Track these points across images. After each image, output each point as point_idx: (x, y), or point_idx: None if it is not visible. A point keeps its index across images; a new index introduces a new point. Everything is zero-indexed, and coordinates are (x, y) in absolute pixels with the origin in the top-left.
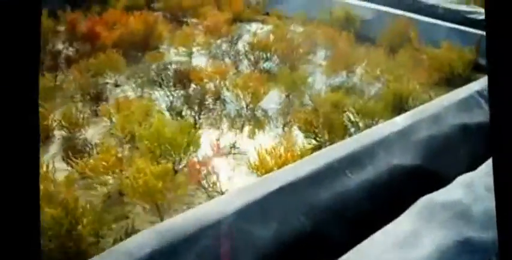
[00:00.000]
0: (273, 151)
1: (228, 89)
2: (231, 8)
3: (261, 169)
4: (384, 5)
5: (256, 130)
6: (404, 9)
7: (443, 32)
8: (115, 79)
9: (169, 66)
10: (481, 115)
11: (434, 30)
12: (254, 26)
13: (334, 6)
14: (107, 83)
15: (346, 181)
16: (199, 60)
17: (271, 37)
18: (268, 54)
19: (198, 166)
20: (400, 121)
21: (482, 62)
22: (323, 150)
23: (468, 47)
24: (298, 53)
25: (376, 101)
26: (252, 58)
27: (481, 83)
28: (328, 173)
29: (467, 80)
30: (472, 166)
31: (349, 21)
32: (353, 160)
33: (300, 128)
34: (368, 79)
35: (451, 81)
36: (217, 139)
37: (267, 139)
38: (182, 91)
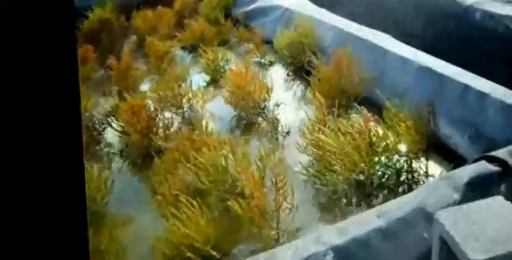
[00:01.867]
0: None
1: None
2: (189, 32)
3: None
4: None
5: None
6: (419, 13)
7: (411, 75)
8: None
9: None
10: None
11: (400, 70)
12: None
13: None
14: None
15: None
16: None
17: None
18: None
19: None
20: None
21: (447, 139)
22: None
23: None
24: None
25: None
26: None
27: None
28: None
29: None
30: None
31: (303, 50)
32: None
33: None
34: None
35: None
36: None
37: None
38: None
